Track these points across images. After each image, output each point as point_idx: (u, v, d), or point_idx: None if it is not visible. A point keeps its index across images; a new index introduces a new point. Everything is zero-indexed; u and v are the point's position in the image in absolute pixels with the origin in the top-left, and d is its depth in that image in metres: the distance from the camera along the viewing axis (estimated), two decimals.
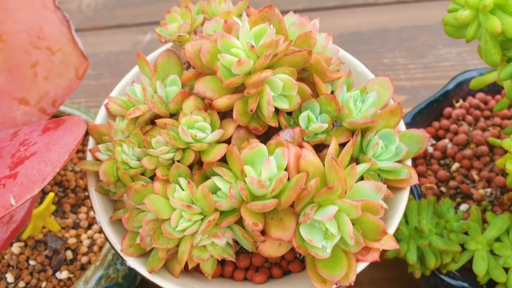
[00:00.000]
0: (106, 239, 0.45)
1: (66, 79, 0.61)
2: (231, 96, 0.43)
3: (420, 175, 0.66)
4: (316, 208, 0.40)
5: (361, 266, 0.42)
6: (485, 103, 0.71)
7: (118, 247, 0.44)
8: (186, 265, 0.43)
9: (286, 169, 0.41)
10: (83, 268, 0.60)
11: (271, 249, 0.42)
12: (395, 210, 0.45)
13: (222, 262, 0.46)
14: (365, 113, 0.45)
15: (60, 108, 0.71)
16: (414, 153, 0.47)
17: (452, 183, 0.64)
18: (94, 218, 0.63)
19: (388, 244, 0.41)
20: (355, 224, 0.41)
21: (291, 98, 0.43)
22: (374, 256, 0.42)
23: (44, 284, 0.59)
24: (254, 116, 0.44)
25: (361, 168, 0.43)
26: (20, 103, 0.61)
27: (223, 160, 0.43)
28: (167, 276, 0.43)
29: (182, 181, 0.42)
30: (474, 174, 0.65)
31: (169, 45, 0.54)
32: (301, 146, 0.43)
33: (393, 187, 0.46)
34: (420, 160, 0.67)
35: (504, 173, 0.65)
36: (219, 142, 0.43)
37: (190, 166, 0.44)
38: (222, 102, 0.42)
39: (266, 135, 0.46)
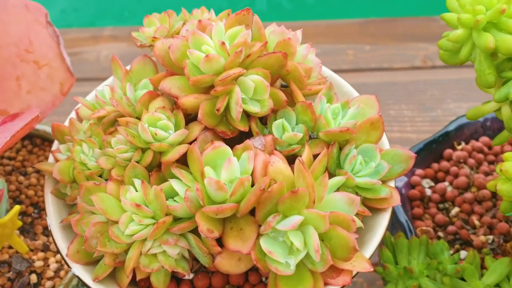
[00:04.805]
0: (55, 244, 0.41)
1: (50, 94, 0.60)
2: (199, 95, 0.40)
3: (417, 218, 0.61)
4: (280, 218, 0.36)
5: None
6: (489, 147, 0.66)
7: (64, 252, 0.40)
8: (137, 279, 0.39)
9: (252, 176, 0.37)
10: None
11: (229, 264, 0.37)
12: (373, 232, 0.40)
13: (178, 281, 0.41)
14: (343, 125, 0.42)
15: (44, 128, 0.68)
16: (398, 174, 0.43)
17: (451, 228, 0.59)
18: None
19: (361, 265, 0.37)
20: (324, 240, 0.36)
21: (263, 102, 0.40)
22: (345, 279, 0.37)
23: None
24: (223, 120, 0.41)
25: (336, 180, 0.39)
26: (0, 114, 0.60)
27: (186, 164, 0.39)
28: None
29: (137, 182, 0.38)
30: (475, 219, 0.59)
31: None
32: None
33: (372, 208, 0.41)
34: (417, 202, 0.62)
35: (508, 220, 0.59)
36: (182, 144, 0.40)
37: (150, 169, 0.40)
38: (188, 100, 0.40)
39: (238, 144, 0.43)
